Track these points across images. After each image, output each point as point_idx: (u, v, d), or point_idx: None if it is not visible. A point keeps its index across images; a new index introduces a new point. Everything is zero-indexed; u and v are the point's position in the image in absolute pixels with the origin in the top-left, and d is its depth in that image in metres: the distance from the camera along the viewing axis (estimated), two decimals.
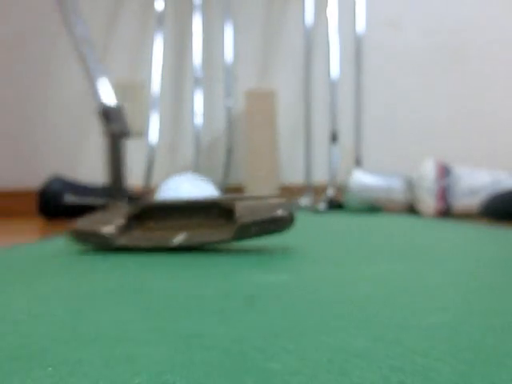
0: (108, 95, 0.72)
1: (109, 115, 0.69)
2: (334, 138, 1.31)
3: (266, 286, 0.33)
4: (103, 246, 0.49)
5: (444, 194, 1.07)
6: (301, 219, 0.98)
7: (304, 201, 1.32)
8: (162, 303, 0.29)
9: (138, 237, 0.51)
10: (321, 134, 1.38)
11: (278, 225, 0.46)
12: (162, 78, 1.39)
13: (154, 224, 0.52)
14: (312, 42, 1.40)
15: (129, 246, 0.49)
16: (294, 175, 1.40)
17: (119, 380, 0.17)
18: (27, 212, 1.35)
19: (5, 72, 1.48)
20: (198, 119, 1.37)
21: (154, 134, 1.32)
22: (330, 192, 1.25)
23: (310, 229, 0.79)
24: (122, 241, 0.49)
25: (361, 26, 1.38)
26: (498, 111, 1.43)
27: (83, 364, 0.19)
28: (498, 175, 1.07)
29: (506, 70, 1.43)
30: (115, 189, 0.66)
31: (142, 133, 1.40)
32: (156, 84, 1.34)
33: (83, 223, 0.51)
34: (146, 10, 1.45)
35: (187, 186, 0.69)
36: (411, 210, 1.15)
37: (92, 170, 1.46)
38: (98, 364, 0.19)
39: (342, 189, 1.25)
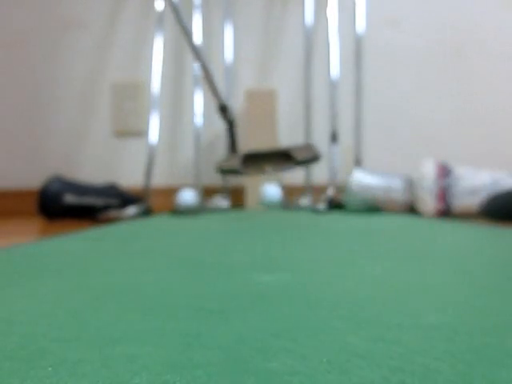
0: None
1: (225, 109, 1.05)
2: (333, 138, 1.31)
3: (266, 286, 0.33)
4: (236, 173, 0.98)
5: (444, 194, 1.07)
6: (301, 219, 0.98)
7: (304, 201, 1.32)
8: (161, 303, 0.29)
9: (248, 169, 0.94)
10: (321, 134, 1.38)
11: (315, 159, 0.92)
12: (162, 78, 1.39)
13: (252, 163, 0.95)
14: (312, 42, 1.40)
15: (245, 173, 0.95)
16: (293, 175, 1.40)
17: (119, 380, 0.17)
18: (27, 212, 1.35)
19: (5, 72, 1.48)
20: (198, 119, 1.37)
21: (153, 133, 1.32)
22: (330, 192, 1.25)
23: (310, 229, 0.79)
24: (243, 171, 0.94)
25: (361, 25, 1.38)
26: (498, 111, 1.43)
27: (83, 364, 0.19)
28: (497, 175, 1.07)
29: (506, 69, 1.43)
30: (233, 149, 1.05)
31: (142, 132, 1.40)
32: (156, 84, 1.34)
33: (223, 164, 0.98)
34: (146, 10, 1.45)
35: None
36: (411, 209, 1.15)
37: (92, 170, 1.46)
38: (98, 364, 0.19)
39: (341, 189, 1.25)
